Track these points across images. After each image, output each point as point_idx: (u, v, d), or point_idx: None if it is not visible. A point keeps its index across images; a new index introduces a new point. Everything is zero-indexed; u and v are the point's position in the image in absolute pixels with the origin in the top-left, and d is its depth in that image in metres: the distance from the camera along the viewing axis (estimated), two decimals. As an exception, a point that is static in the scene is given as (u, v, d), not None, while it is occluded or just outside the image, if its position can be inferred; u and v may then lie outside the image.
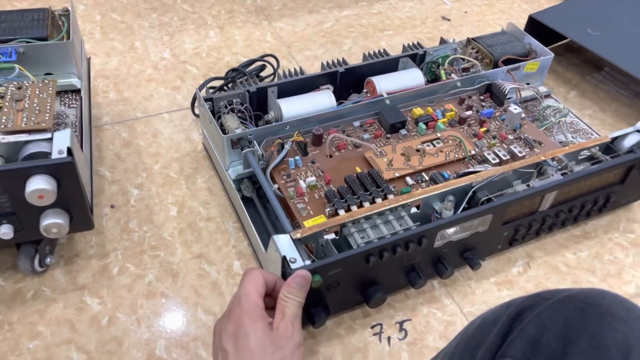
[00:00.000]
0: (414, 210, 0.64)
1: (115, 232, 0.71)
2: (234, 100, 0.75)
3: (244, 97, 0.76)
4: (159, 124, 0.87)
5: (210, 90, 0.86)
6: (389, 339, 0.62)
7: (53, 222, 0.56)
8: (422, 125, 0.75)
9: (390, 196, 0.64)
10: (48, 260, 0.64)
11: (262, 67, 0.93)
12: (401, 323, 0.64)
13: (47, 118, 0.59)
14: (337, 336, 0.62)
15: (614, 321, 0.36)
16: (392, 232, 0.60)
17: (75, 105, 0.70)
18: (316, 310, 0.58)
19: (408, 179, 0.68)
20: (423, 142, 0.73)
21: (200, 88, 0.81)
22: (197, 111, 0.86)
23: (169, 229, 0.72)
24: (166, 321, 0.62)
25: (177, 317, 0.63)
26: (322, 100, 0.77)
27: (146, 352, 0.59)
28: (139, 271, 0.67)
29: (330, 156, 0.71)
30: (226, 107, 0.74)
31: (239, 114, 0.74)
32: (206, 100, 0.74)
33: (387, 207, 0.61)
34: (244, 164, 0.70)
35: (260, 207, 0.71)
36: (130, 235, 0.71)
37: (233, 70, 0.91)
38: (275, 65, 0.93)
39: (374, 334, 0.62)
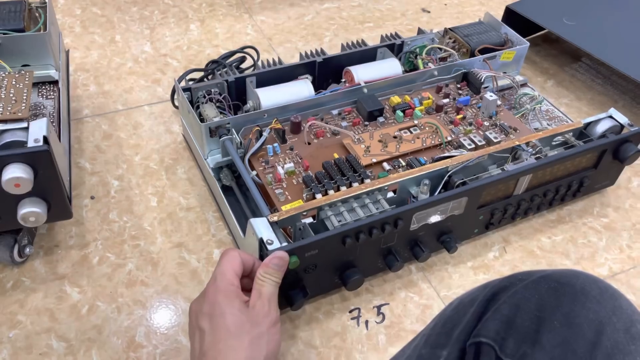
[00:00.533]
0: (390, 194, 0.65)
1: (95, 223, 0.71)
2: (213, 90, 0.75)
3: (222, 87, 0.76)
4: (139, 116, 0.87)
5: (190, 82, 0.87)
6: (366, 322, 0.63)
7: (30, 211, 0.56)
8: (399, 112, 0.76)
9: (367, 180, 0.65)
10: (27, 250, 0.65)
11: (243, 59, 0.93)
12: (379, 307, 0.64)
13: (23, 108, 0.59)
14: (315, 320, 0.63)
15: (587, 300, 0.37)
16: (368, 215, 0.61)
17: (53, 97, 0.70)
18: (294, 292, 0.59)
19: (385, 164, 0.69)
20: (400, 129, 0.74)
21: (180, 79, 0.81)
22: (177, 103, 0.87)
23: (149, 219, 0.72)
24: (146, 309, 0.63)
25: (157, 304, 0.63)
26: (301, 89, 0.77)
27: (126, 339, 0.60)
28: (119, 260, 0.67)
29: (309, 143, 0.72)
30: (204, 97, 0.75)
31: (217, 104, 0.75)
32: (184, 90, 0.74)
33: (364, 191, 0.62)
34: (222, 152, 0.71)
35: (239, 195, 0.72)
36: (110, 226, 0.71)
37: (213, 62, 0.91)
38: (255, 57, 0.93)
39: (352, 318, 0.63)
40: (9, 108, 0.59)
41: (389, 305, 0.65)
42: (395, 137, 0.73)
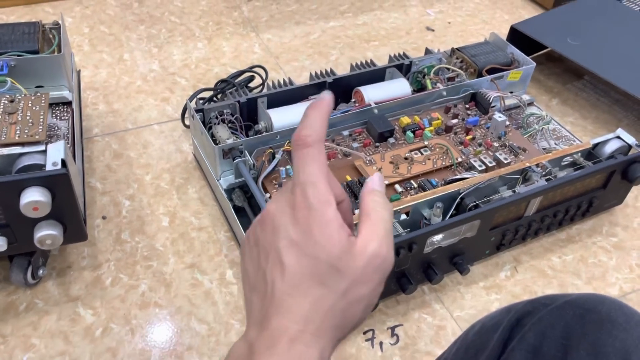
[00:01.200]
0: (403, 217, 0.65)
1: (107, 243, 0.71)
2: (225, 111, 0.76)
3: (235, 108, 0.77)
4: (149, 135, 0.87)
5: (200, 102, 0.87)
6: (381, 344, 0.63)
7: (47, 234, 0.57)
8: (409, 133, 0.76)
9: (380, 203, 0.66)
10: (40, 272, 0.64)
11: (251, 78, 0.94)
12: (393, 328, 0.65)
13: (40, 130, 0.59)
14: (330, 342, 0.63)
15: (613, 328, 0.37)
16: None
17: (66, 118, 0.70)
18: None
19: (397, 186, 0.70)
20: (411, 150, 0.74)
21: (191, 99, 0.82)
22: (187, 122, 0.87)
23: (161, 240, 0.72)
24: (160, 331, 0.63)
25: (171, 326, 0.63)
26: (312, 110, 0.78)
27: (141, 362, 0.60)
28: (132, 281, 0.67)
29: (321, 165, 0.72)
30: (217, 117, 0.75)
31: (229, 125, 0.75)
32: (197, 111, 0.75)
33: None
34: (235, 173, 0.71)
35: (252, 217, 0.72)
36: (122, 246, 0.71)
37: (222, 81, 0.91)
38: (263, 76, 0.94)
39: (367, 340, 0.63)
40: (26, 131, 0.59)
41: (403, 326, 0.65)
42: (406, 158, 0.73)
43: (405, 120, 0.78)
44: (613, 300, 0.40)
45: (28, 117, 0.60)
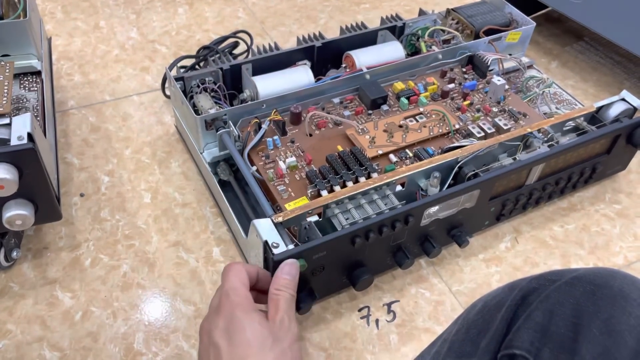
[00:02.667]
0: (399, 188, 0.61)
1: (86, 222, 0.67)
2: (207, 79, 0.71)
3: (217, 76, 0.72)
4: (128, 106, 0.83)
5: (182, 70, 0.82)
6: (377, 321, 0.60)
7: (16, 214, 0.53)
8: (404, 100, 0.72)
9: (374, 175, 0.62)
10: (14, 254, 0.61)
11: (235, 44, 0.89)
12: (389, 305, 0.62)
13: (4, 102, 0.55)
14: (323, 321, 0.60)
15: (627, 304, 0.34)
16: (377, 212, 0.57)
17: (35, 89, 0.66)
18: (301, 296, 0.56)
19: (392, 156, 0.66)
20: (406, 118, 0.70)
21: (171, 67, 0.76)
22: (168, 92, 0.82)
23: (143, 217, 0.68)
24: (144, 313, 0.59)
25: (155, 308, 0.60)
26: (300, 76, 0.73)
27: (124, 346, 0.56)
28: (113, 262, 0.64)
29: (310, 135, 0.68)
30: (198, 86, 0.71)
31: (212, 94, 0.71)
32: (177, 79, 0.70)
33: (372, 187, 0.59)
34: (219, 145, 0.67)
35: (238, 191, 0.68)
36: (102, 225, 0.67)
37: (204, 48, 0.86)
38: (248, 41, 0.89)
39: (362, 317, 0.60)
40: (-11, 103, 0.54)
41: (400, 302, 0.62)
42: (400, 126, 0.69)
43: (399, 85, 0.74)
44: (625, 274, 0.37)
45: (-9, 88, 0.56)
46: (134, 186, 0.72)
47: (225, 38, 0.89)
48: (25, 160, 0.51)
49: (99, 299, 0.60)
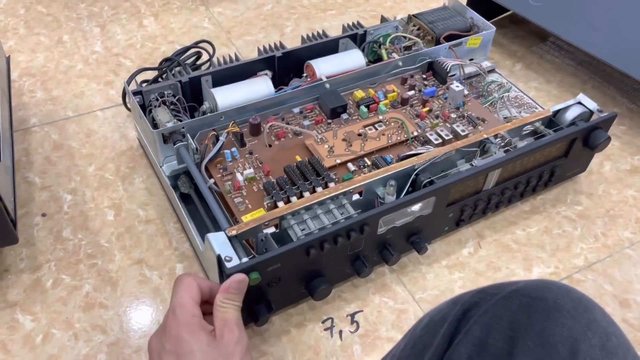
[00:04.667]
0: (356, 197, 0.62)
1: (47, 243, 0.67)
2: (166, 92, 0.71)
3: (176, 88, 0.72)
4: (92, 122, 0.82)
5: (144, 84, 0.82)
6: (340, 332, 0.60)
7: (-33, 240, 0.52)
8: (363, 108, 0.72)
9: (331, 184, 0.62)
10: (-28, 278, 0.60)
11: (199, 55, 0.89)
12: (352, 315, 0.62)
13: (-48, 127, 0.54)
14: (286, 333, 0.60)
15: (560, 315, 0.35)
16: (333, 222, 0.58)
17: (-9, 110, 0.65)
18: (258, 307, 0.56)
19: (350, 165, 0.66)
20: (365, 126, 0.71)
21: (129, 81, 0.76)
22: (129, 105, 0.82)
23: (106, 235, 0.68)
24: (106, 334, 0.59)
25: (118, 328, 0.60)
26: (259, 87, 0.73)
27: (84, 367, 0.56)
28: (75, 282, 0.63)
29: (270, 146, 0.68)
30: (157, 99, 0.71)
31: (172, 107, 0.71)
32: (135, 93, 0.70)
33: (328, 196, 0.59)
34: (177, 159, 0.67)
35: (198, 204, 0.68)
36: (64, 245, 0.67)
37: (166, 60, 0.86)
38: (211, 52, 0.89)
39: (325, 329, 0.61)
40: (-63, 129, 0.54)
41: (363, 312, 0.62)
42: (359, 134, 0.69)
43: (360, 94, 0.74)
44: (560, 285, 0.37)
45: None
46: (97, 204, 0.71)
47: (187, 49, 0.89)
48: (-26, 185, 0.51)
49: (60, 320, 0.60)
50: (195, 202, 0.68)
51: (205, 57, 0.89)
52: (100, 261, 0.66)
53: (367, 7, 1.10)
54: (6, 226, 0.55)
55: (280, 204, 0.60)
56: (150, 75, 0.84)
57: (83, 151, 0.78)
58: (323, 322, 0.61)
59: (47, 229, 0.68)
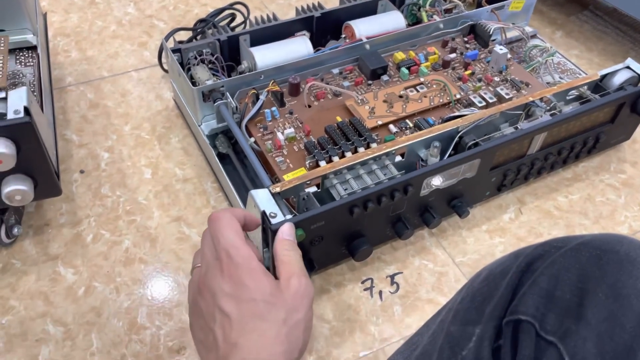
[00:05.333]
0: (398, 158, 0.61)
1: (86, 199, 0.67)
2: (204, 51, 0.71)
3: (215, 47, 0.71)
4: (126, 82, 0.82)
5: (180, 44, 0.81)
6: (380, 293, 0.60)
7: (15, 189, 0.52)
8: (404, 70, 0.71)
9: (373, 145, 0.61)
10: (15, 230, 0.61)
11: (233, 17, 0.88)
12: (392, 276, 0.62)
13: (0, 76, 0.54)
14: (326, 292, 0.60)
15: (634, 268, 0.34)
16: (376, 182, 0.57)
17: (32, 64, 0.65)
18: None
19: (391, 126, 0.65)
20: (406, 88, 0.69)
21: (167, 38, 0.75)
22: (166, 66, 0.81)
23: (143, 193, 0.68)
24: (147, 288, 0.59)
25: (158, 283, 0.60)
26: (298, 47, 0.72)
27: (127, 320, 0.57)
28: (115, 238, 0.64)
29: (309, 106, 0.68)
30: (195, 58, 0.70)
31: (209, 65, 0.70)
32: (174, 51, 0.69)
33: (370, 157, 0.58)
34: (217, 117, 0.66)
35: (237, 164, 0.68)
36: (103, 201, 0.67)
37: (201, 21, 0.85)
38: (245, 13, 0.88)
39: (365, 289, 0.60)
40: (-17, 78, 0.53)
41: (403, 274, 0.62)
42: (400, 96, 0.68)
43: (400, 55, 0.73)
44: (632, 239, 0.36)
45: (-15, 63, 0.55)
46: (134, 162, 0.71)
47: (221, 10, 0.88)
48: (22, 134, 0.50)
49: (102, 274, 0.60)
50: (234, 162, 0.68)
51: (239, 19, 0.88)
52: (138, 218, 0.66)
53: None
54: (52, 178, 0.55)
55: (322, 163, 0.59)
56: (184, 36, 0.84)
57: (119, 110, 0.78)
58: (362, 282, 0.61)
59: (86, 185, 0.68)
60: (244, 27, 0.86)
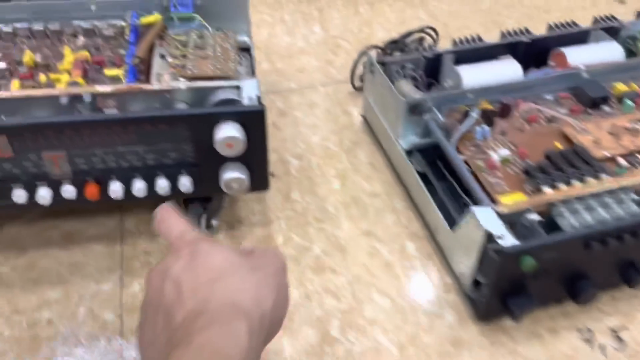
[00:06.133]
0: (634, 196, 0.53)
1: (277, 201, 0.66)
2: (407, 66, 0.68)
3: (418, 63, 0.69)
4: (314, 96, 0.82)
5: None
6: (602, 347, 0.52)
7: (236, 177, 0.52)
8: (628, 102, 0.64)
9: (604, 176, 0.55)
10: (214, 222, 0.60)
11: (421, 40, 0.86)
12: (615, 330, 0.53)
13: (232, 66, 0.55)
14: (537, 336, 0.53)
15: None
16: (616, 217, 0.50)
17: (243, 65, 0.66)
18: (519, 300, 0.50)
19: (621, 160, 0.58)
20: (630, 121, 0.62)
21: (360, 54, 0.74)
22: (356, 82, 0.81)
23: (332, 202, 0.66)
24: (338, 300, 0.56)
25: (350, 296, 0.56)
26: (506, 69, 0.68)
27: (319, 330, 0.53)
28: (305, 243, 0.61)
29: (521, 130, 0.62)
30: (398, 72, 0.68)
31: (412, 82, 0.68)
32: (379, 63, 0.67)
33: (607, 189, 0.52)
34: (422, 132, 0.63)
35: (435, 183, 0.63)
36: (293, 205, 0.66)
37: (392, 42, 0.84)
38: (434, 36, 0.86)
39: (584, 340, 0.52)
40: (219, 66, 0.55)
41: (629, 330, 0.53)
42: (627, 129, 0.61)
43: (621, 87, 0.66)
44: None
45: (219, 54, 0.56)
46: (322, 172, 0.70)
47: (410, 33, 0.87)
48: (253, 122, 0.50)
49: (292, 278, 0.58)
50: (432, 181, 0.64)
51: (427, 42, 0.86)
52: (328, 226, 0.63)
53: (594, 11, 1.00)
54: (265, 171, 0.55)
55: (545, 189, 0.54)
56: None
57: (307, 121, 0.77)
58: (578, 330, 0.53)
59: (276, 189, 0.67)
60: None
